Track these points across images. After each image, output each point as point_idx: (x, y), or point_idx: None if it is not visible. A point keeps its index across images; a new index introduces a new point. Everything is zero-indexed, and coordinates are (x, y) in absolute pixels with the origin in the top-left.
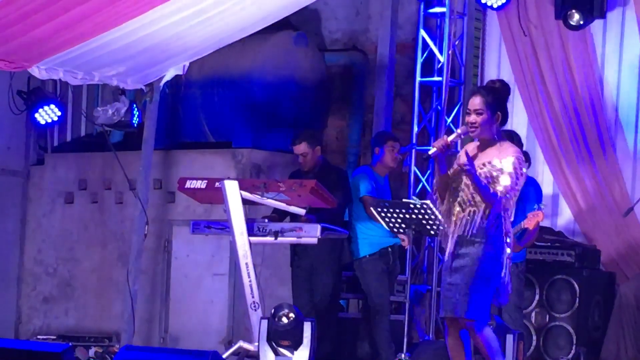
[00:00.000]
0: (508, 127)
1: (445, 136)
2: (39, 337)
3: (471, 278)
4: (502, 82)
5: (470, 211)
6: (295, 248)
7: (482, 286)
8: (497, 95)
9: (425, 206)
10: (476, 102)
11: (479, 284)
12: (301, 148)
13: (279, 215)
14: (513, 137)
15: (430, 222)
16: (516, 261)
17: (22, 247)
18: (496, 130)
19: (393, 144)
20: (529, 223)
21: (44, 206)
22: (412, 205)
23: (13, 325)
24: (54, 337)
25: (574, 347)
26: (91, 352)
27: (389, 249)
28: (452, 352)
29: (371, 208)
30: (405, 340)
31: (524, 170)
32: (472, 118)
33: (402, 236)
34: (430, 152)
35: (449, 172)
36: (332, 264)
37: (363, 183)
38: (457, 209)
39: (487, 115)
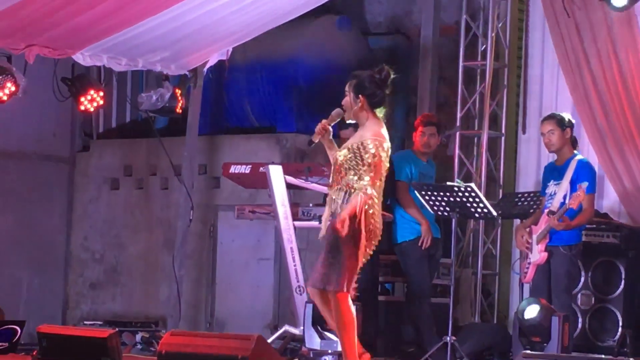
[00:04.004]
0: (553, 110)
1: (323, 121)
2: (86, 322)
3: None
4: (382, 68)
5: None
6: None
7: None
8: (359, 79)
9: (469, 189)
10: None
11: None
12: (348, 133)
13: None
14: (563, 122)
15: (475, 204)
16: (569, 243)
17: (68, 233)
18: (368, 114)
19: (423, 129)
20: (572, 203)
21: (90, 192)
22: (456, 188)
23: (61, 311)
24: (101, 323)
25: (620, 330)
26: (138, 337)
27: None
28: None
29: (415, 191)
30: (450, 322)
31: (378, 148)
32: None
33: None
34: (313, 139)
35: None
36: None
37: (400, 167)
38: None
39: (349, 98)
